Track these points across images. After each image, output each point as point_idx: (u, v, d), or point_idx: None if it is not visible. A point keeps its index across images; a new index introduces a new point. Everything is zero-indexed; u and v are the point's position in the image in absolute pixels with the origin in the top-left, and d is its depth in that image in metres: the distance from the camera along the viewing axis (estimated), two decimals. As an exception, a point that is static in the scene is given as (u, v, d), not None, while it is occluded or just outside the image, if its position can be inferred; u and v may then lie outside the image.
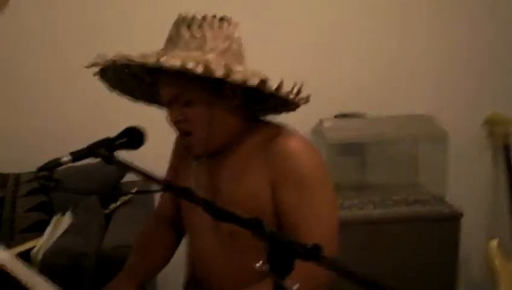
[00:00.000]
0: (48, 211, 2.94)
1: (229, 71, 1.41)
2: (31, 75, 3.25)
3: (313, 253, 1.05)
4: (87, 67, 1.59)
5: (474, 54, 3.49)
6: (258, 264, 1.08)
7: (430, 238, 3.09)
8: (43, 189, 2.97)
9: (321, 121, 3.21)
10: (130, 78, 1.70)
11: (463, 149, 3.44)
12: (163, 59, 1.41)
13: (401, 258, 3.06)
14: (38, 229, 2.82)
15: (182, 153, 1.82)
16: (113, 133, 1.52)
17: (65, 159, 1.43)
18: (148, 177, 1.34)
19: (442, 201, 3.19)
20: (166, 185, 1.33)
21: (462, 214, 3.11)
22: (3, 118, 3.28)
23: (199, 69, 1.40)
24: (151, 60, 1.42)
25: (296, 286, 1.05)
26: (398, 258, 3.06)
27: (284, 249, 1.07)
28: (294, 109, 1.63)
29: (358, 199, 3.15)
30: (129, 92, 1.77)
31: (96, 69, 1.62)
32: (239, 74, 1.43)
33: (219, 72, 1.40)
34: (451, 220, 3.11)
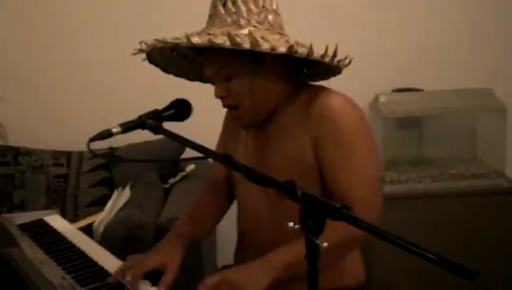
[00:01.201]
0: (110, 186, 3.05)
1: (254, 42, 1.44)
2: (93, 57, 3.36)
3: (343, 213, 1.09)
4: (133, 54, 1.67)
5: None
6: (291, 224, 1.13)
7: (489, 212, 3.07)
8: (105, 165, 3.09)
9: (377, 96, 3.21)
10: (181, 60, 1.77)
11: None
12: (194, 38, 1.46)
13: (460, 233, 3.04)
14: (101, 203, 2.94)
15: (231, 124, 1.89)
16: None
17: (115, 130, 1.49)
18: (191, 145, 1.40)
19: (501, 175, 3.15)
20: (208, 152, 1.38)
21: (522, 188, 3.06)
22: (67, 99, 3.42)
23: (226, 43, 1.44)
24: (183, 40, 1.48)
25: (325, 244, 1.09)
26: (456, 232, 3.04)
27: (315, 208, 1.11)
28: (339, 72, 1.66)
29: (416, 173, 3.15)
30: (183, 74, 1.85)
31: (143, 55, 1.69)
32: (267, 43, 1.46)
33: (246, 44, 1.44)
34: (510, 194, 3.08)
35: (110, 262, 1.79)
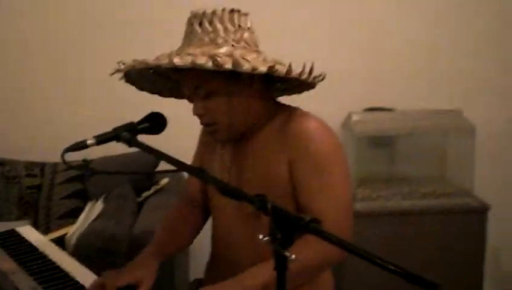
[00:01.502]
0: (83, 198, 3.05)
1: (236, 62, 1.48)
2: (69, 69, 3.38)
3: (312, 226, 1.13)
4: (111, 74, 1.69)
5: (502, 50, 3.51)
6: (261, 236, 1.16)
7: (457, 230, 3.13)
8: (79, 177, 3.09)
9: (350, 115, 3.26)
10: (157, 77, 1.79)
11: (490, 143, 3.45)
12: (175, 59, 1.49)
13: (429, 250, 3.10)
14: (73, 216, 2.93)
15: (207, 139, 1.91)
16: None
17: (90, 141, 1.50)
18: (165, 158, 1.42)
19: (469, 194, 3.21)
20: (182, 165, 1.41)
21: (489, 207, 3.14)
22: (43, 110, 3.42)
23: (208, 64, 1.47)
24: (164, 61, 1.51)
25: (292, 257, 1.12)
26: (425, 249, 3.09)
27: (284, 222, 1.14)
28: (313, 87, 1.71)
29: (387, 190, 3.20)
30: (157, 91, 1.87)
31: (120, 75, 1.72)
32: (247, 63, 1.50)
33: (228, 64, 1.48)
34: (479, 213, 3.15)
35: (81, 273, 1.81)
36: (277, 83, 1.77)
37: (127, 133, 1.54)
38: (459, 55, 3.48)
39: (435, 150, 3.42)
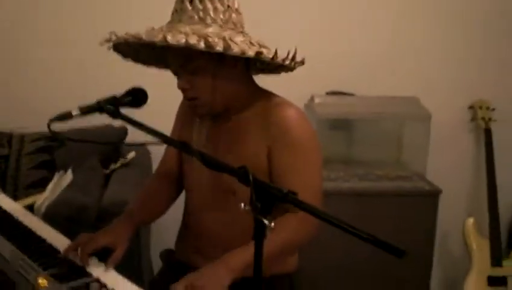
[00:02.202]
0: (51, 169, 3.11)
1: (227, 45, 1.57)
2: (41, 36, 3.39)
3: (289, 197, 1.23)
4: (101, 44, 1.74)
5: (461, 40, 3.62)
6: (242, 205, 1.26)
7: (410, 212, 3.25)
8: (47, 148, 3.14)
9: (312, 97, 3.37)
10: (142, 48, 1.85)
11: (445, 130, 3.58)
12: (169, 37, 1.56)
13: (381, 231, 3.14)
14: (41, 186, 2.99)
15: (185, 113, 2.00)
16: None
17: (74, 112, 1.56)
18: (148, 130, 1.50)
19: (422, 178, 3.35)
20: (165, 137, 1.50)
21: (441, 191, 3.27)
22: (11, 79, 3.43)
23: (201, 45, 1.56)
24: (158, 39, 1.58)
25: (272, 224, 1.23)
26: (378, 230, 3.17)
27: (264, 193, 1.25)
28: (292, 70, 1.80)
29: (345, 171, 3.32)
30: (141, 60, 1.94)
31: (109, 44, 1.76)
32: (237, 46, 1.59)
33: (219, 47, 1.56)
34: (431, 197, 3.27)
35: (56, 238, 1.88)
36: (256, 63, 1.86)
37: (110, 106, 1.62)
38: (418, 45, 3.60)
39: (391, 135, 3.54)
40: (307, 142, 1.78)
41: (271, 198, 1.25)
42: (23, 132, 3.19)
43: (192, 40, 1.56)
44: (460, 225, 3.47)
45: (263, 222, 1.23)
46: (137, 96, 1.69)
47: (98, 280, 1.62)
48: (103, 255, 1.76)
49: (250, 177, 1.26)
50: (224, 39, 1.58)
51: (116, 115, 1.59)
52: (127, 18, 2.67)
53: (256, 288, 1.29)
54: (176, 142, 1.51)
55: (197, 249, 1.93)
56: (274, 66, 1.82)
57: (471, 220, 3.44)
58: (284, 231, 1.41)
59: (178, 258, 2.04)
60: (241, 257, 1.65)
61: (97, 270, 1.69)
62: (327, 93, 3.47)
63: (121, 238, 1.81)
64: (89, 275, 1.65)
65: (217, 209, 1.87)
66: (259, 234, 1.25)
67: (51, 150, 3.14)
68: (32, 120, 3.02)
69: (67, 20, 3.37)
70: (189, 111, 1.94)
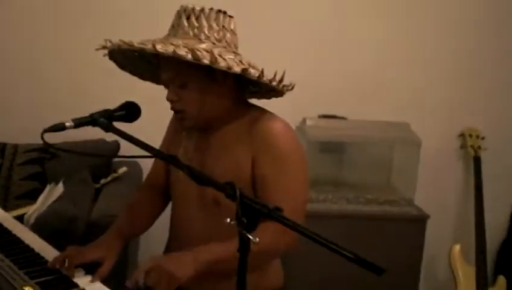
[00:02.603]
0: (42, 181, 3.12)
1: (214, 59, 1.59)
2: (34, 52, 3.42)
3: (274, 213, 1.26)
4: (97, 49, 1.78)
5: (452, 66, 3.68)
6: (228, 220, 1.28)
7: (397, 237, 3.27)
8: (39, 160, 3.16)
9: (304, 120, 3.41)
10: (139, 60, 1.90)
11: (435, 157, 3.63)
12: (158, 46, 1.60)
13: (368, 254, 3.21)
14: (31, 197, 3.00)
15: (174, 129, 2.03)
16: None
17: (68, 124, 1.58)
18: (138, 143, 1.54)
19: (410, 203, 3.38)
20: (154, 151, 1.52)
21: (428, 217, 3.30)
22: (5, 89, 3.44)
23: (188, 56, 1.59)
24: (148, 47, 1.61)
25: (256, 240, 1.25)
26: (364, 253, 3.19)
27: (250, 208, 1.27)
28: (281, 95, 1.83)
29: (334, 194, 3.34)
30: (138, 73, 1.98)
31: (105, 51, 1.80)
32: (224, 62, 1.62)
33: (206, 59, 1.59)
34: (418, 222, 3.31)
35: (44, 249, 1.89)
36: (249, 86, 1.89)
37: (103, 119, 1.65)
38: (409, 71, 3.64)
39: (381, 159, 3.57)
40: (292, 155, 1.79)
41: (256, 213, 1.27)
42: (16, 143, 3.21)
43: (181, 52, 1.59)
44: (446, 251, 3.49)
45: (248, 237, 1.25)
46: (130, 111, 1.72)
47: (83, 290, 1.64)
48: (90, 268, 1.77)
49: (237, 193, 1.29)
50: (211, 53, 1.61)
51: (108, 128, 1.62)
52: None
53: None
54: (165, 155, 1.54)
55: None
56: (266, 90, 1.84)
57: (457, 247, 3.47)
58: (263, 239, 1.44)
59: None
60: (210, 252, 1.68)
61: (83, 281, 1.70)
62: (319, 116, 3.50)
63: (110, 253, 1.83)
64: (75, 285, 1.67)
65: (202, 220, 1.88)
66: (243, 248, 1.28)
67: (43, 161, 3.16)
68: (27, 131, 3.06)
69: (62, 33, 3.40)
70: (178, 124, 1.97)
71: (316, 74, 3.48)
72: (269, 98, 1.91)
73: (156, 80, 1.95)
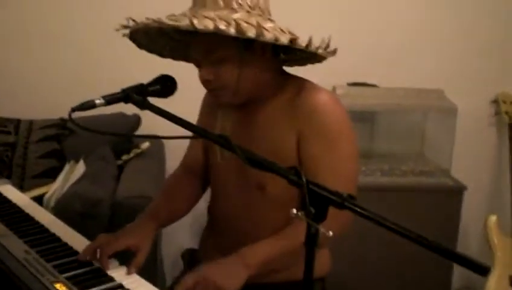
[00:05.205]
0: (60, 158, 2.96)
1: (260, 31, 1.43)
2: (49, 26, 3.26)
3: (349, 203, 1.09)
4: (117, 30, 1.61)
5: (486, 32, 3.52)
6: (293, 211, 1.12)
7: (433, 209, 3.15)
8: (55, 136, 2.99)
9: (334, 88, 3.24)
10: (159, 37, 1.71)
11: (470, 125, 3.48)
12: (196, 22, 1.42)
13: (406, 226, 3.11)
14: (49, 176, 2.85)
15: (208, 107, 1.87)
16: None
17: (98, 101, 1.42)
18: (182, 123, 1.36)
19: (447, 174, 3.24)
20: (201, 131, 1.36)
21: (465, 188, 3.17)
22: (19, 65, 3.28)
23: (231, 31, 1.42)
24: (184, 23, 1.44)
25: (330, 233, 1.09)
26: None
27: (320, 197, 1.11)
28: (320, 61, 1.66)
29: (367, 166, 3.19)
30: (157, 51, 1.79)
31: (126, 31, 1.63)
32: (269, 33, 1.45)
33: (251, 33, 1.43)
34: (455, 193, 3.18)
35: (71, 237, 1.74)
36: (281, 54, 1.72)
37: (136, 95, 1.47)
38: (440, 36, 3.49)
39: (415, 129, 3.43)
40: (341, 131, 1.63)
41: (325, 202, 1.11)
42: (31, 119, 3.05)
43: (222, 26, 1.42)
44: (481, 223, 3.36)
45: (318, 229, 1.09)
46: (165, 85, 1.55)
47: (121, 286, 1.49)
48: (120, 256, 1.63)
49: (303, 179, 1.12)
50: (256, 25, 1.44)
51: (144, 105, 1.46)
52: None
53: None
54: (215, 137, 1.35)
55: (223, 249, 1.79)
56: (300, 57, 1.68)
57: (493, 218, 3.32)
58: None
59: (202, 259, 1.90)
60: (260, 253, 1.56)
61: (119, 274, 1.55)
62: (349, 84, 3.34)
63: (145, 239, 1.68)
64: (110, 280, 1.51)
65: (244, 207, 1.74)
66: (311, 241, 1.12)
67: (60, 138, 2.99)
68: (43, 106, 2.89)
69: (76, 11, 3.22)
70: (212, 102, 1.80)
71: (345, 41, 3.28)
72: (304, 64, 1.74)
73: (178, 56, 1.79)
